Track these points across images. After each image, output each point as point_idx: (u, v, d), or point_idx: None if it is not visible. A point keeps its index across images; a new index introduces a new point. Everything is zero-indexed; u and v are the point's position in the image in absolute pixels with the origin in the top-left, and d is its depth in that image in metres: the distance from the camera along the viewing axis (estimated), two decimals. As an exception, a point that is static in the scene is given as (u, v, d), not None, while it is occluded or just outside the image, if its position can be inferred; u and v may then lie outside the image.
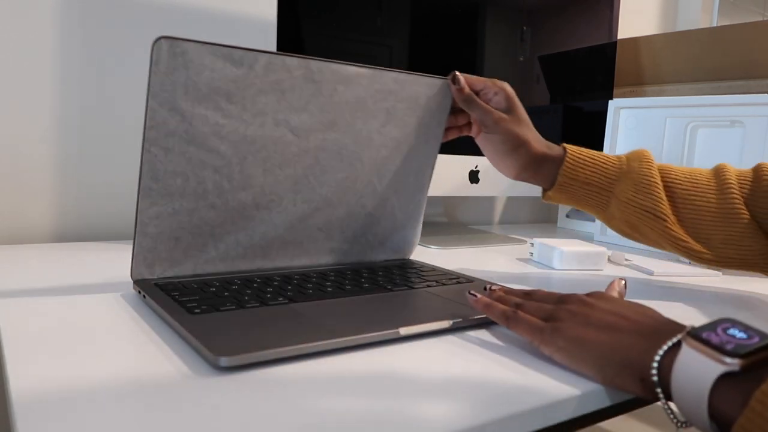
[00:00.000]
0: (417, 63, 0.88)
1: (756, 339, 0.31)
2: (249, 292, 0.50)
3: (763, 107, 0.83)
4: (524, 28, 1.00)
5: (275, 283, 0.53)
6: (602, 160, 0.63)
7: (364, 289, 0.53)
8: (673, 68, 1.14)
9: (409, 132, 0.62)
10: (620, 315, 0.39)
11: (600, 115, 1.08)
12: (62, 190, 0.81)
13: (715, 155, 0.90)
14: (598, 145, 1.04)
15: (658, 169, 0.62)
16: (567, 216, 1.21)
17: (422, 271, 0.62)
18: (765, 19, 1.83)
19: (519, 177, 0.65)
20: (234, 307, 0.45)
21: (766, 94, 0.83)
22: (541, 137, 0.64)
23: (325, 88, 0.55)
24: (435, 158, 0.65)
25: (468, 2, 0.93)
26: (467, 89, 0.61)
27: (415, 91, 0.61)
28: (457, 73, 0.62)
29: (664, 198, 0.60)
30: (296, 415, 0.31)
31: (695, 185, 0.60)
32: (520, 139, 0.61)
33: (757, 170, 0.60)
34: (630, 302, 0.42)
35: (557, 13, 1.04)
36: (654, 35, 1.18)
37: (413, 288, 0.55)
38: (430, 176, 0.66)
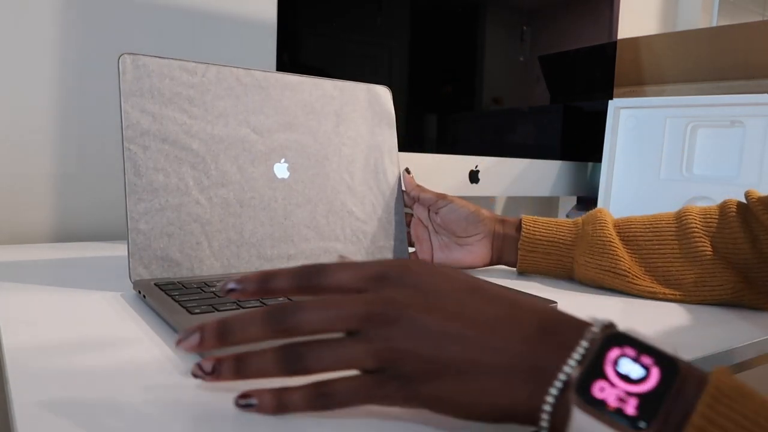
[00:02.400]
0: (417, 63, 0.88)
1: (655, 374, 0.24)
2: None
3: (763, 107, 0.83)
4: (524, 28, 1.00)
5: None
6: (558, 229, 0.66)
7: None
8: (673, 68, 1.14)
9: (362, 132, 0.67)
10: (471, 345, 0.27)
11: (600, 115, 1.08)
12: (62, 190, 0.81)
13: (715, 155, 0.90)
14: (598, 145, 1.04)
15: (618, 225, 0.63)
16: (567, 216, 1.21)
17: None
18: (765, 19, 1.84)
19: (494, 248, 0.68)
20: (234, 307, 0.46)
21: (766, 94, 0.83)
22: None
23: (273, 93, 0.61)
24: (396, 154, 0.69)
25: (468, 2, 0.93)
26: (413, 180, 0.69)
27: (355, 96, 0.67)
28: (408, 168, 0.71)
29: (623, 254, 0.61)
30: (296, 415, 0.31)
31: (656, 234, 0.61)
32: (472, 207, 0.67)
33: (723, 207, 0.61)
34: (471, 302, 0.29)
35: (557, 13, 1.04)
36: (654, 35, 1.18)
37: None
38: (398, 173, 0.70)
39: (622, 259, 0.61)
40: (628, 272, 0.60)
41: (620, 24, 1.43)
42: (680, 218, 0.61)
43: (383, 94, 0.70)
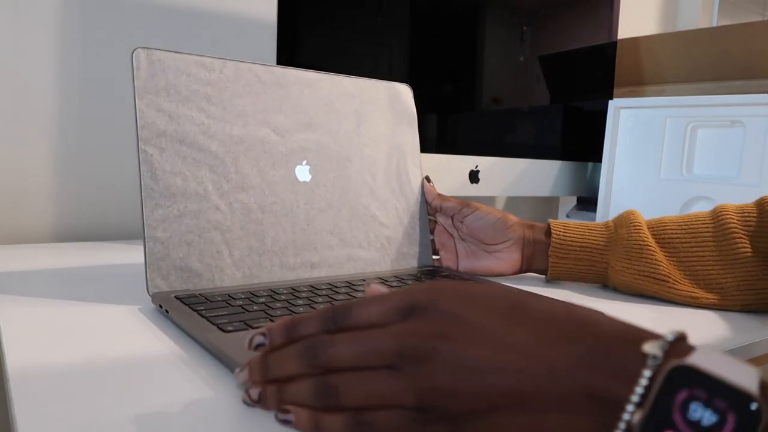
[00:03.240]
0: (417, 63, 0.88)
1: (731, 421, 0.21)
2: (278, 305, 0.47)
3: (763, 107, 0.83)
4: (524, 28, 1.00)
5: (303, 294, 0.51)
6: (590, 233, 0.62)
7: None
8: (673, 68, 1.14)
9: (383, 132, 0.64)
10: (519, 376, 0.24)
11: (600, 115, 1.07)
12: (62, 190, 0.81)
13: (715, 155, 0.90)
14: (598, 145, 1.04)
15: (652, 227, 0.60)
16: (567, 216, 1.21)
17: (452, 278, 0.59)
18: (765, 19, 1.84)
19: (524, 256, 0.65)
20: (268, 321, 0.42)
21: (766, 94, 0.83)
22: None
23: (293, 91, 0.58)
24: (419, 156, 0.66)
25: (468, 2, 0.92)
26: (434, 190, 0.66)
27: (375, 94, 0.64)
28: (428, 176, 0.67)
29: (661, 258, 0.58)
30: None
31: (693, 235, 0.58)
32: (498, 210, 0.65)
33: (761, 203, 0.57)
34: (512, 326, 0.26)
35: (557, 14, 1.04)
36: (654, 35, 1.18)
37: None
38: (421, 175, 0.66)
39: (661, 264, 0.58)
40: (669, 277, 0.57)
41: (620, 24, 1.43)
42: (717, 217, 0.58)
43: (404, 92, 0.67)
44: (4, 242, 0.78)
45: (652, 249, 0.58)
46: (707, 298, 0.57)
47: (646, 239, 0.59)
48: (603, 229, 0.63)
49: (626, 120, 0.98)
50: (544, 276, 0.66)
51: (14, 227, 0.78)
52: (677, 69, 1.13)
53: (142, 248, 0.73)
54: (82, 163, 0.82)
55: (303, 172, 0.58)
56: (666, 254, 0.59)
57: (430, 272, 0.62)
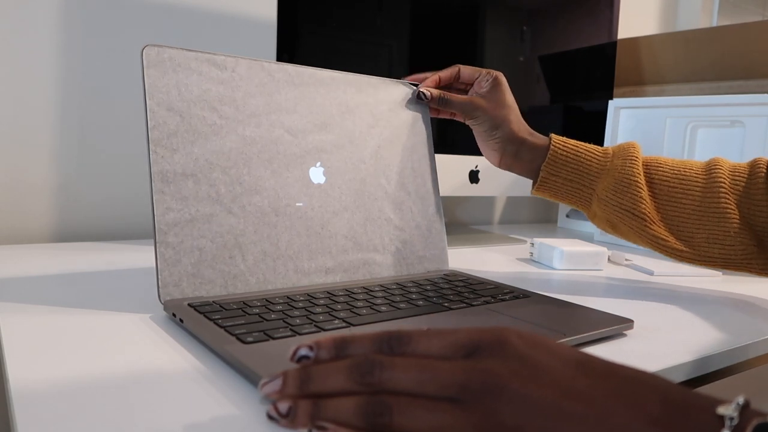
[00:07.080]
0: (417, 63, 0.88)
1: None
2: (297, 313, 0.45)
3: (763, 107, 0.83)
4: (524, 28, 1.00)
5: (321, 301, 0.49)
6: (586, 156, 0.62)
7: (420, 308, 0.49)
8: (673, 68, 1.14)
9: (399, 132, 0.63)
10: (588, 425, 0.24)
11: (600, 115, 1.08)
12: (63, 190, 0.81)
13: (715, 155, 0.90)
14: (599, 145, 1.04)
15: (646, 164, 0.61)
16: (567, 216, 1.21)
17: (471, 284, 0.58)
18: (765, 19, 1.84)
19: (502, 162, 0.65)
20: (289, 333, 0.41)
21: (766, 94, 0.83)
22: (524, 124, 0.65)
23: (307, 90, 0.57)
24: (433, 157, 0.66)
25: (468, 2, 0.92)
26: (435, 98, 0.64)
27: (389, 94, 0.63)
28: (421, 89, 0.64)
29: (646, 197, 0.59)
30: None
31: (682, 181, 0.59)
32: (497, 119, 0.63)
33: (754, 165, 0.58)
34: (581, 376, 0.26)
35: (557, 13, 1.04)
36: (654, 35, 1.18)
37: (471, 305, 0.51)
38: (436, 177, 0.65)
39: (643, 201, 0.58)
40: (646, 216, 0.58)
41: (620, 24, 1.43)
42: (710, 171, 0.59)
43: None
44: (4, 242, 0.78)
45: (640, 186, 0.59)
46: (676, 245, 0.58)
47: (637, 175, 0.59)
48: (600, 156, 0.63)
49: (626, 120, 0.99)
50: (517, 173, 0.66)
51: (14, 227, 0.78)
52: (677, 69, 1.13)
53: (146, 250, 0.73)
54: (83, 162, 0.82)
55: (317, 174, 0.56)
56: (651, 194, 0.60)
57: (446, 277, 0.61)
